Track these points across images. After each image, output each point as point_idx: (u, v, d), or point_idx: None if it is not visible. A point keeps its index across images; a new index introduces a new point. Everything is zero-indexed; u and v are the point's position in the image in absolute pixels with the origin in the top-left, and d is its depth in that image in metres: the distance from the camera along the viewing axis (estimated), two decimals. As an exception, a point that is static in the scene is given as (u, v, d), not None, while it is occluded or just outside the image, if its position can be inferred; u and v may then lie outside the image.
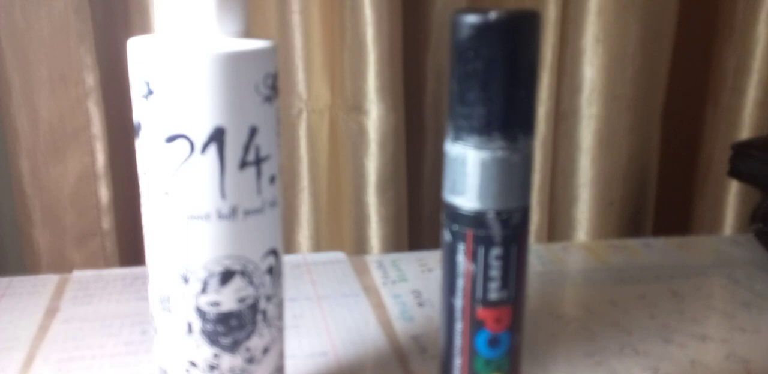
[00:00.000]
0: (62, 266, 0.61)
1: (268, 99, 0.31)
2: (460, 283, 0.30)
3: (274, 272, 0.33)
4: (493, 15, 0.27)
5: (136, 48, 0.30)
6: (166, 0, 0.30)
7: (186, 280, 0.31)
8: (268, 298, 0.33)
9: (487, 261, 0.30)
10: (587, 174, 0.67)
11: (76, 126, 0.59)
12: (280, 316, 0.34)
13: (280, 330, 0.34)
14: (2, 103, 0.58)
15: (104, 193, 0.61)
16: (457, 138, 0.29)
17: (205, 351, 0.32)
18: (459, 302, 0.31)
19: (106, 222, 0.61)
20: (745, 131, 0.67)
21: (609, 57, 0.64)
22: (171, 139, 0.30)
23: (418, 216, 0.68)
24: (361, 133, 0.62)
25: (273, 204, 0.32)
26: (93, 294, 0.49)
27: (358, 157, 0.62)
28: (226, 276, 0.31)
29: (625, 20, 0.64)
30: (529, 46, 0.28)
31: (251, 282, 0.32)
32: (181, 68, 0.29)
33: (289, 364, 0.40)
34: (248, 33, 0.31)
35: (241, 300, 0.32)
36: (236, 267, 0.31)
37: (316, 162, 0.64)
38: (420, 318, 0.47)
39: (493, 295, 0.30)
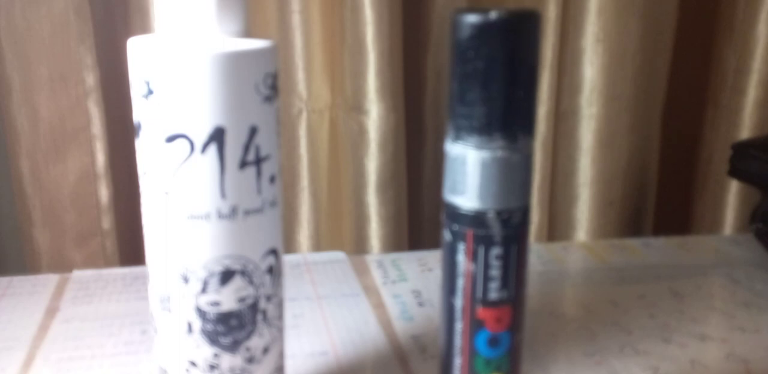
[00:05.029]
0: (62, 266, 0.61)
1: (268, 99, 0.31)
2: (460, 283, 0.30)
3: (274, 272, 0.33)
4: (493, 15, 0.27)
5: (136, 48, 0.30)
6: (166, 0, 0.30)
7: (186, 280, 0.31)
8: (268, 298, 0.33)
9: (487, 261, 0.30)
10: (587, 174, 0.67)
11: (76, 126, 0.59)
12: (280, 316, 0.34)
13: (280, 330, 0.34)
14: (2, 103, 0.58)
15: (104, 193, 0.61)
16: (457, 138, 0.29)
17: (205, 351, 0.32)
18: (459, 302, 0.31)
19: (106, 222, 0.61)
20: (745, 131, 0.67)
21: (609, 57, 0.64)
22: (171, 139, 0.30)
23: (418, 216, 0.68)
24: (361, 133, 0.62)
25: (273, 204, 0.32)
26: (93, 293, 0.49)
27: (358, 157, 0.62)
28: (226, 276, 0.31)
29: (625, 20, 0.64)
30: (529, 46, 0.28)
31: (251, 282, 0.32)
32: (181, 68, 0.29)
33: (289, 364, 0.40)
34: (248, 33, 0.31)
35: (241, 299, 0.32)
36: (236, 266, 0.31)
37: (316, 162, 0.64)
38: (420, 318, 0.47)
39: (493, 295, 0.30)
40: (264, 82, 0.30)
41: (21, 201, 0.60)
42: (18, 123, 0.58)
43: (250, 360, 0.33)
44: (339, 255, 0.56)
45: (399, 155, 0.63)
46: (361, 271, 0.53)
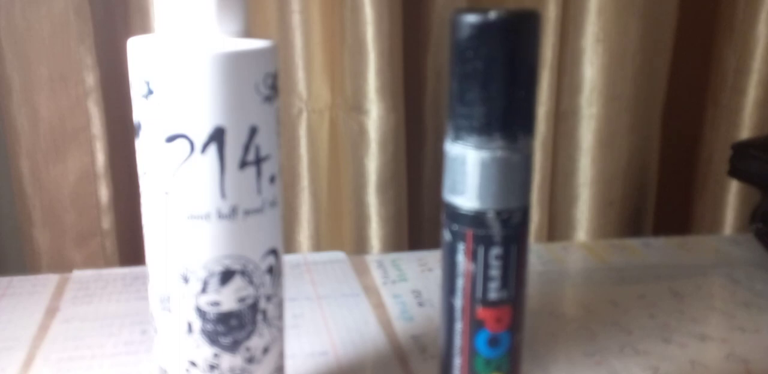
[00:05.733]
0: (62, 266, 0.61)
1: (268, 99, 0.31)
2: (460, 283, 0.30)
3: (274, 272, 0.33)
4: (493, 15, 0.27)
5: (136, 48, 0.30)
6: (166, 0, 0.30)
7: (186, 280, 0.31)
8: (268, 298, 0.33)
9: (487, 261, 0.30)
10: (587, 174, 0.67)
11: (76, 126, 0.59)
12: (280, 316, 0.34)
13: (280, 330, 0.34)
14: (2, 103, 0.58)
15: (104, 193, 0.61)
16: (457, 138, 0.29)
17: (205, 351, 0.32)
18: (459, 302, 0.31)
19: (106, 222, 0.61)
20: (745, 131, 0.67)
21: (609, 57, 0.64)
22: (171, 139, 0.30)
23: (418, 216, 0.68)
24: (361, 133, 0.62)
25: (273, 204, 0.32)
26: (93, 293, 0.49)
27: (358, 157, 0.62)
28: (226, 276, 0.31)
29: (625, 20, 0.64)
30: (529, 46, 0.28)
31: (251, 282, 0.32)
32: (181, 68, 0.29)
33: (289, 364, 0.40)
34: (248, 33, 0.31)
35: (241, 299, 0.32)
36: (236, 266, 0.31)
37: (316, 162, 0.64)
38: (420, 318, 0.47)
39: (493, 295, 0.30)
40: (264, 82, 0.30)
41: (21, 201, 0.60)
42: (18, 123, 0.58)
43: (250, 360, 0.33)
44: (339, 255, 0.56)
45: (399, 155, 0.63)
46: (361, 271, 0.53)
